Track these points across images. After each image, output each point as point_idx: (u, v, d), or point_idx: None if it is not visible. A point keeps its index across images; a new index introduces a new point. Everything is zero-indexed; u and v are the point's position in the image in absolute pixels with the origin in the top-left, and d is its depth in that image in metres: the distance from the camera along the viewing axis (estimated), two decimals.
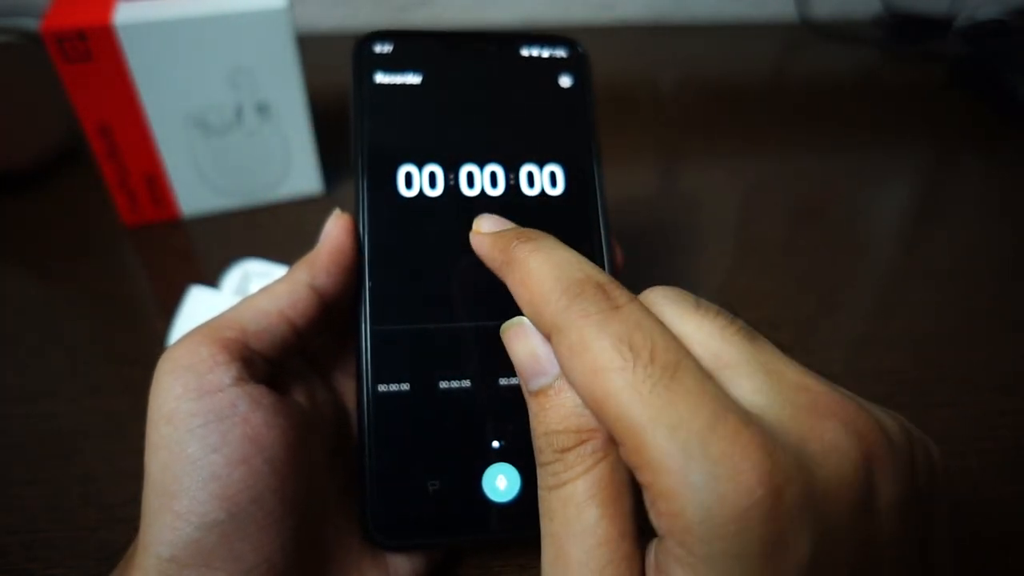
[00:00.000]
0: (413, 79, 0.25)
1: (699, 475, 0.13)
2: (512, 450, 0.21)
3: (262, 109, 0.38)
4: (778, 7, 0.66)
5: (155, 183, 0.39)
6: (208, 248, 0.39)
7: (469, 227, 0.21)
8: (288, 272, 0.21)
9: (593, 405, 0.15)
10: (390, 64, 0.24)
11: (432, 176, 0.24)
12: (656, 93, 0.55)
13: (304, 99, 0.39)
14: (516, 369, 0.18)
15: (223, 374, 0.19)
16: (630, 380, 0.14)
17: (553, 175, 0.24)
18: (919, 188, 0.45)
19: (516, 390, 0.21)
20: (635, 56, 0.60)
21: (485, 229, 0.20)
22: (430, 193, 0.23)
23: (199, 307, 0.32)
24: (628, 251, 0.39)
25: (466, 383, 0.22)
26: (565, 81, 0.26)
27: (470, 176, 0.24)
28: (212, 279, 0.35)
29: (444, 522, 0.21)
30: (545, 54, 0.26)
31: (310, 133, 0.40)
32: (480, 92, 0.25)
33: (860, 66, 0.59)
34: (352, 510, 0.22)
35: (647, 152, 0.48)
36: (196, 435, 0.18)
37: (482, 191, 0.24)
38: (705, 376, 0.15)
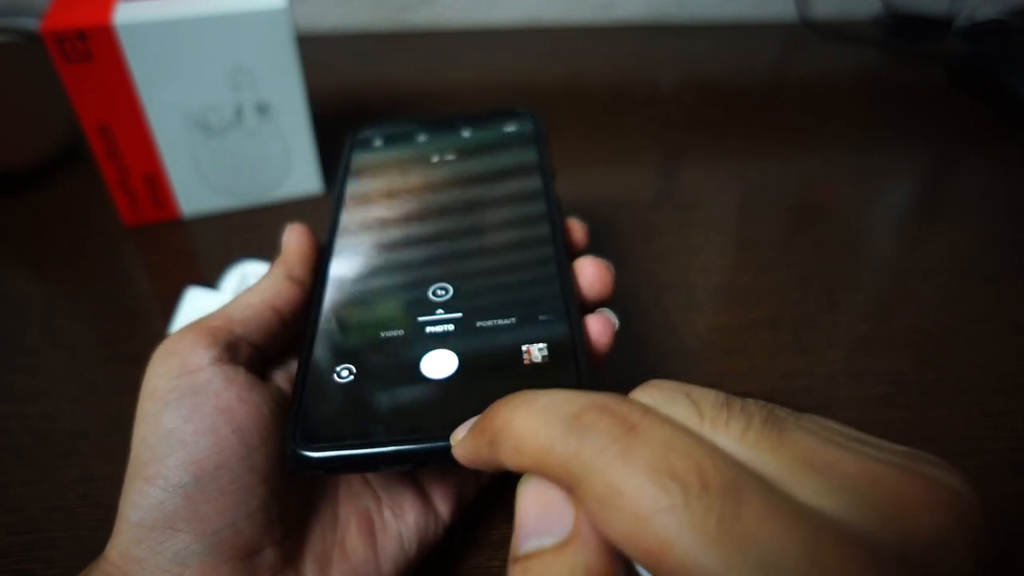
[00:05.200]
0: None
1: None
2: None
3: (262, 109, 0.38)
4: (778, 7, 0.66)
5: (155, 183, 0.39)
6: (208, 248, 0.39)
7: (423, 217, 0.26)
8: (268, 271, 0.24)
9: (649, 562, 0.12)
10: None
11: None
12: (656, 93, 0.55)
13: (304, 99, 0.39)
14: (516, 527, 0.15)
15: (203, 356, 0.20)
16: (688, 520, 0.11)
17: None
18: (919, 188, 0.45)
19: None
20: (635, 56, 0.60)
21: (460, 436, 0.17)
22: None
23: (197, 307, 0.32)
24: (628, 251, 0.40)
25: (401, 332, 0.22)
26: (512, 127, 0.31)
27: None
28: (212, 279, 0.35)
29: (373, 419, 0.19)
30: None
31: (310, 133, 0.40)
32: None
33: (860, 66, 0.59)
34: (334, 485, 0.22)
35: (647, 152, 0.48)
36: (171, 407, 0.19)
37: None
38: (770, 489, 0.12)
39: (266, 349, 0.22)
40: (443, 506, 0.23)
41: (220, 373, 0.20)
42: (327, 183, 0.43)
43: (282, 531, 0.20)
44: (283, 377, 0.23)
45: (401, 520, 0.22)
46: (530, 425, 0.14)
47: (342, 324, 0.22)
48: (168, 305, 0.34)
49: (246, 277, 0.34)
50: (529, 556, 0.14)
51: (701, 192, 0.44)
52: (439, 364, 0.20)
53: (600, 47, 0.62)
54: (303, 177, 0.42)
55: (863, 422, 0.15)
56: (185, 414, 0.19)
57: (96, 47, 0.34)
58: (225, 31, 0.35)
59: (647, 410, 0.13)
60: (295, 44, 0.37)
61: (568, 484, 0.13)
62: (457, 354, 0.21)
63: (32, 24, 0.43)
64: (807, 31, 0.64)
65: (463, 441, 0.16)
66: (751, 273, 0.38)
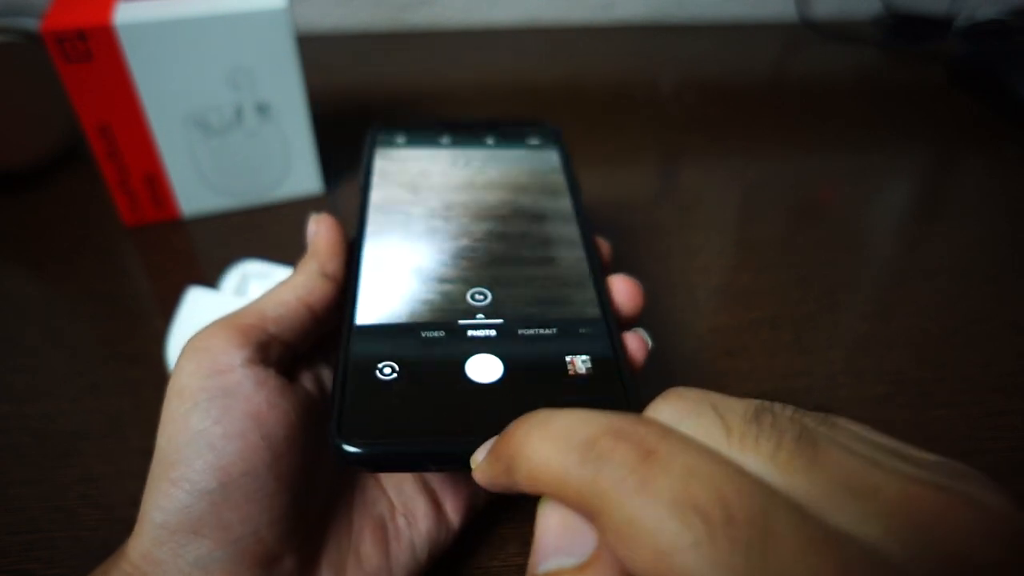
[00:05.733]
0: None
1: None
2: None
3: (262, 109, 0.38)
4: (778, 7, 0.66)
5: (155, 183, 0.39)
6: (208, 248, 0.39)
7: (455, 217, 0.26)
8: (299, 266, 0.23)
9: None
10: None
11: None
12: (656, 93, 0.55)
13: (304, 99, 0.39)
14: (534, 545, 0.14)
15: (235, 356, 0.20)
16: (713, 557, 0.11)
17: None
18: (919, 188, 0.45)
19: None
20: (635, 56, 0.60)
21: (479, 459, 0.16)
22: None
23: (198, 307, 0.32)
24: (628, 251, 0.40)
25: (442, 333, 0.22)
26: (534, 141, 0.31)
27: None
28: (212, 279, 0.35)
29: (420, 418, 0.19)
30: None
31: (310, 133, 0.40)
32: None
33: (860, 66, 0.59)
34: (350, 492, 0.22)
35: (647, 152, 0.48)
36: (201, 408, 0.19)
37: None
38: (803, 517, 0.11)
39: (297, 347, 0.22)
40: (454, 515, 0.23)
41: (251, 375, 0.19)
42: (327, 183, 0.43)
43: (301, 538, 0.20)
44: (310, 378, 0.22)
45: (414, 528, 0.22)
46: (543, 452, 0.13)
47: (381, 321, 0.22)
48: (168, 305, 0.34)
49: (247, 277, 0.34)
50: (549, 574, 0.13)
51: (701, 192, 0.44)
52: (485, 368, 0.20)
53: (600, 47, 0.62)
54: (303, 177, 0.42)
55: (863, 422, 0.15)
56: (215, 416, 0.19)
57: (96, 47, 0.34)
58: (225, 31, 0.35)
59: (666, 432, 0.13)
60: (295, 44, 0.37)
61: (586, 513, 0.13)
62: (502, 360, 0.21)
63: (32, 24, 0.43)
64: (807, 31, 0.64)
65: (481, 466, 0.16)
66: (751, 273, 0.38)
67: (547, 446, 0.13)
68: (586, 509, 0.13)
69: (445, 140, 0.30)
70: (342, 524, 0.21)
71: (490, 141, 0.30)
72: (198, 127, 0.38)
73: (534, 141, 0.30)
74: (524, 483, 0.14)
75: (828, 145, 0.49)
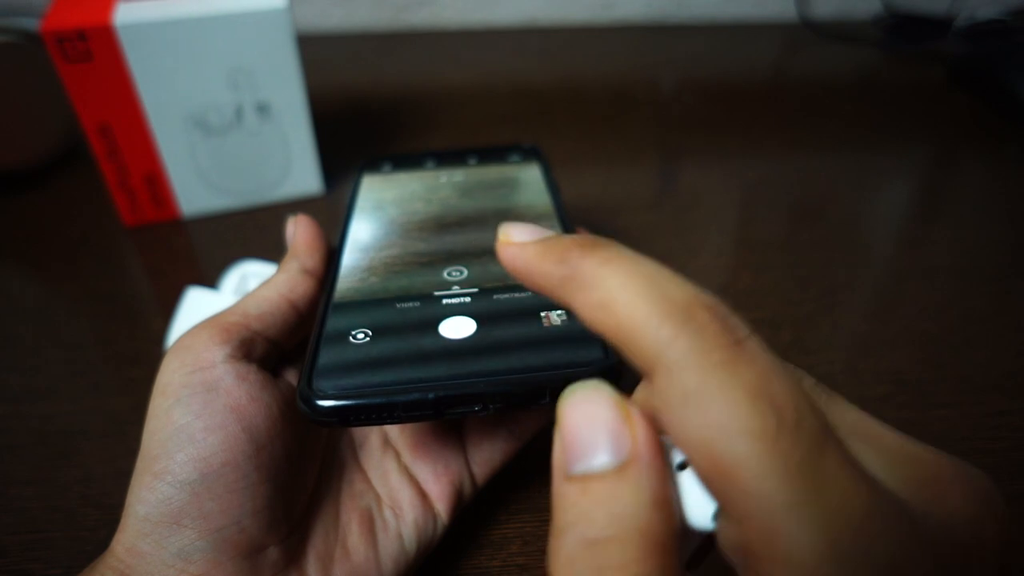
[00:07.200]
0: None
1: None
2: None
3: (262, 109, 0.38)
4: (778, 7, 0.66)
5: (155, 183, 0.39)
6: (208, 248, 0.39)
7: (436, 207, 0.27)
8: (281, 266, 0.24)
9: (715, 475, 0.12)
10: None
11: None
12: (656, 93, 0.55)
13: (304, 99, 0.39)
14: (563, 442, 0.13)
15: (217, 352, 0.20)
16: (772, 450, 0.11)
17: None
18: (919, 188, 0.45)
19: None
20: (635, 56, 0.60)
21: (518, 238, 0.15)
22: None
23: (197, 308, 0.32)
24: None
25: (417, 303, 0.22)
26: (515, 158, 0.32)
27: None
28: (212, 279, 0.35)
29: (390, 370, 0.19)
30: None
31: (310, 133, 0.40)
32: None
33: (860, 66, 0.59)
34: (337, 485, 0.23)
35: (647, 152, 0.48)
36: (182, 403, 0.19)
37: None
38: (845, 446, 0.12)
39: (281, 344, 0.22)
40: (441, 505, 0.23)
41: (232, 371, 0.20)
42: (327, 183, 0.43)
43: (286, 530, 0.20)
44: (294, 375, 0.23)
45: (401, 519, 0.22)
46: (630, 291, 0.13)
47: (357, 296, 0.22)
48: (168, 305, 0.34)
49: (246, 277, 0.34)
50: (588, 477, 0.13)
51: (701, 192, 0.44)
52: (458, 326, 0.21)
53: (600, 47, 0.62)
54: (303, 177, 0.42)
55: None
56: (195, 410, 0.19)
57: (96, 47, 0.34)
58: (225, 31, 0.35)
59: (752, 333, 0.13)
60: (295, 44, 0.37)
61: (648, 367, 0.13)
62: (475, 319, 0.21)
63: (32, 24, 0.43)
64: (807, 31, 0.64)
65: (528, 248, 0.15)
66: (751, 273, 0.38)
67: (637, 287, 0.13)
68: (653, 363, 0.12)
69: (430, 164, 0.32)
70: (329, 516, 0.22)
71: (472, 161, 0.31)
72: (198, 127, 0.38)
73: (514, 158, 0.32)
74: (587, 308, 0.14)
75: (828, 145, 0.49)
